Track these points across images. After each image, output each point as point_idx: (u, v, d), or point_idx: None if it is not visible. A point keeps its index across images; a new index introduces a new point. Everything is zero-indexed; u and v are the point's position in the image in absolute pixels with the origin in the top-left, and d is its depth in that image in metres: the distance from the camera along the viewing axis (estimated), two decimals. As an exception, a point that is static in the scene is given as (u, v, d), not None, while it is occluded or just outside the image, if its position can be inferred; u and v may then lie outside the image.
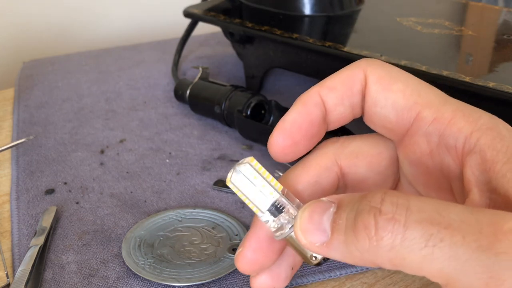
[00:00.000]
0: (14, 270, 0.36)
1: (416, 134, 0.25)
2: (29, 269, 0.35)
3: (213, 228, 0.39)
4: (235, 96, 0.51)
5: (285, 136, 0.26)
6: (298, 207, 0.25)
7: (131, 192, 0.44)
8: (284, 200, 0.25)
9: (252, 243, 0.26)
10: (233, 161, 0.48)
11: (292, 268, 0.27)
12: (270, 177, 0.25)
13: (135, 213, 0.41)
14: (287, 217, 0.25)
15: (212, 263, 0.36)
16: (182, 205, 0.42)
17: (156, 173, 0.46)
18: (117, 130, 0.53)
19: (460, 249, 0.19)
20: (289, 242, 0.25)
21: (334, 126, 0.28)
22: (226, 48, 0.71)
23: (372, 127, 0.28)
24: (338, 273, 0.35)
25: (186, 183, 0.45)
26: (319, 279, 0.35)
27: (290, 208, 0.25)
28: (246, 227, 0.39)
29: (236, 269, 0.35)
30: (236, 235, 0.38)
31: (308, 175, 0.27)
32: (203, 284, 0.34)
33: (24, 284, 0.33)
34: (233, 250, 0.37)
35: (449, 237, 0.19)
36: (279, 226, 0.25)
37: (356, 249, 0.21)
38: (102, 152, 0.49)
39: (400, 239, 0.20)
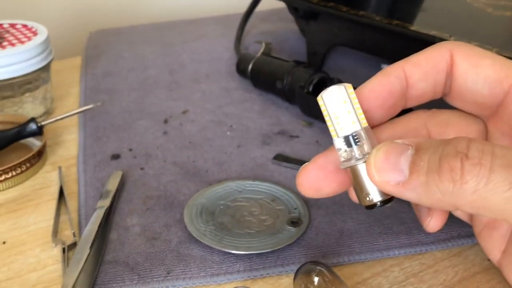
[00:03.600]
0: (80, 230, 0.37)
1: (510, 105, 0.26)
2: (95, 229, 0.36)
3: (272, 200, 0.39)
4: (298, 72, 0.51)
5: (362, 101, 0.26)
6: (373, 147, 0.25)
7: (193, 161, 0.45)
8: (363, 134, 0.26)
9: (319, 161, 0.28)
10: (292, 137, 0.48)
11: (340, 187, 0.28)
12: (360, 110, 0.26)
13: (196, 182, 0.42)
14: (359, 152, 0.25)
15: (270, 234, 0.36)
16: (242, 177, 0.42)
17: (217, 144, 0.47)
18: (180, 101, 0.54)
19: None
20: (352, 176, 0.26)
21: (413, 102, 0.28)
22: (288, 24, 0.71)
23: (459, 105, 0.29)
24: (397, 252, 0.35)
25: (246, 156, 0.45)
26: (377, 257, 0.35)
27: (365, 144, 0.25)
28: (305, 201, 0.39)
29: (294, 242, 0.36)
30: (295, 208, 0.38)
31: (394, 129, 0.29)
32: (261, 253, 0.35)
33: (90, 243, 0.35)
34: (292, 223, 0.37)
35: None
36: (349, 157, 0.26)
37: (438, 191, 0.22)
38: (165, 121, 0.50)
39: (484, 182, 0.21)
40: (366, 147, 0.26)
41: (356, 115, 0.26)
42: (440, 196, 0.23)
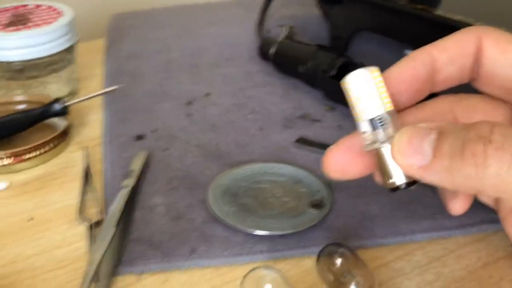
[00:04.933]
0: (106, 208, 0.38)
1: None
2: (121, 208, 0.37)
3: (294, 183, 0.40)
4: (321, 56, 0.51)
5: (389, 85, 0.27)
6: (398, 131, 0.25)
7: (216, 143, 0.45)
8: (387, 117, 0.26)
9: (345, 143, 0.28)
10: (314, 121, 0.48)
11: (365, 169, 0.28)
12: (385, 93, 0.26)
13: (219, 164, 0.42)
14: (383, 135, 0.26)
15: (293, 216, 0.36)
16: (264, 159, 0.43)
17: (240, 127, 0.47)
18: (202, 84, 0.54)
19: None
20: (377, 158, 0.26)
21: (440, 87, 0.28)
22: (309, 9, 0.71)
23: (487, 90, 0.29)
24: (420, 236, 0.35)
25: (269, 139, 0.45)
26: (400, 241, 0.35)
27: (390, 128, 0.26)
28: (328, 184, 0.39)
29: (316, 224, 0.36)
30: (318, 191, 0.39)
31: (420, 113, 0.29)
32: (284, 235, 0.35)
33: (116, 221, 0.35)
34: (314, 205, 0.37)
35: None
36: (373, 140, 0.26)
37: (461, 175, 0.23)
38: (188, 104, 0.51)
39: (507, 167, 0.21)
40: (390, 130, 0.26)
41: (382, 98, 0.26)
42: (463, 180, 0.23)
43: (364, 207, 0.37)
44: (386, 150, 0.26)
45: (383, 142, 0.26)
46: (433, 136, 0.24)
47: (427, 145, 0.24)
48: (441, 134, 0.24)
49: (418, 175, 0.25)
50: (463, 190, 0.24)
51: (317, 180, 0.40)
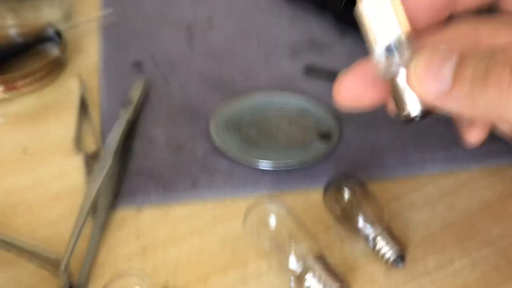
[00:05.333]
0: (103, 139, 0.36)
1: None
2: (119, 139, 0.35)
3: (301, 114, 0.38)
4: (331, -22, 0.47)
5: (407, 2, 0.24)
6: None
7: (219, 72, 0.42)
8: (404, 41, 0.24)
9: (358, 70, 0.26)
10: (324, 47, 0.45)
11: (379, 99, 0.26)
12: (402, 13, 0.24)
13: (222, 93, 0.40)
14: (399, 59, 0.24)
15: (299, 148, 0.35)
16: (270, 89, 0.40)
17: (244, 55, 0.45)
18: (203, 7, 0.51)
19: None
20: (391, 86, 0.24)
21: (462, 5, 0.26)
22: None
23: None
24: (432, 167, 0.34)
25: (274, 67, 0.43)
26: (411, 173, 0.33)
27: (406, 51, 0.24)
28: (337, 115, 0.37)
29: (324, 157, 0.34)
30: (326, 122, 0.37)
31: (440, 36, 0.27)
32: (289, 169, 0.34)
33: (113, 152, 0.34)
34: (322, 137, 0.35)
35: None
36: (388, 65, 0.24)
37: (483, 101, 0.21)
38: (189, 29, 0.48)
39: None
40: (407, 54, 0.24)
41: (398, 19, 0.24)
42: (485, 107, 0.22)
43: (374, 139, 0.36)
44: (401, 77, 0.24)
45: (399, 67, 0.24)
46: (454, 59, 0.22)
47: (447, 69, 0.22)
48: (463, 58, 0.22)
49: (437, 102, 0.23)
50: (484, 118, 0.23)
51: (325, 111, 0.38)
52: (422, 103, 0.24)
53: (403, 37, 0.24)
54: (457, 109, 0.23)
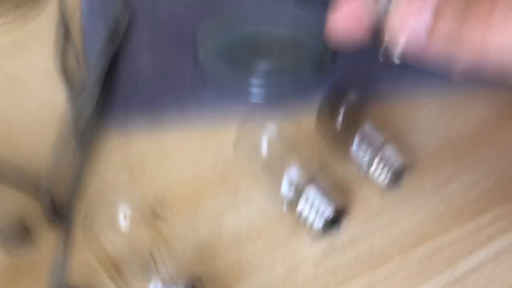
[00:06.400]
0: (88, 65, 0.34)
1: None
2: (104, 63, 0.34)
3: (294, 38, 0.36)
4: None
5: None
6: None
7: (207, -7, 0.40)
8: None
9: (348, 7, 0.25)
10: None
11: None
12: None
13: (211, 15, 0.38)
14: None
15: (291, 74, 0.34)
16: (261, 11, 0.38)
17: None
18: None
19: None
20: (375, 24, 0.24)
21: None
22: None
23: None
24: (430, 84, 0.33)
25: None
26: (408, 95, 0.33)
27: None
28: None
29: (316, 83, 0.33)
30: (319, 49, 0.35)
31: None
32: (281, 92, 0.33)
33: (98, 77, 0.33)
34: (315, 64, 0.34)
35: None
36: (375, 4, 0.23)
37: (467, 37, 0.21)
38: None
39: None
40: None
41: None
42: (468, 43, 0.21)
43: (368, 67, 0.34)
44: (388, 15, 0.23)
45: (382, 6, 0.23)
46: None
47: (428, 6, 0.22)
48: None
49: (420, 40, 0.23)
50: (466, 55, 0.22)
51: (317, 38, 0.36)
52: (404, 43, 0.23)
53: None
54: (440, 47, 0.22)
